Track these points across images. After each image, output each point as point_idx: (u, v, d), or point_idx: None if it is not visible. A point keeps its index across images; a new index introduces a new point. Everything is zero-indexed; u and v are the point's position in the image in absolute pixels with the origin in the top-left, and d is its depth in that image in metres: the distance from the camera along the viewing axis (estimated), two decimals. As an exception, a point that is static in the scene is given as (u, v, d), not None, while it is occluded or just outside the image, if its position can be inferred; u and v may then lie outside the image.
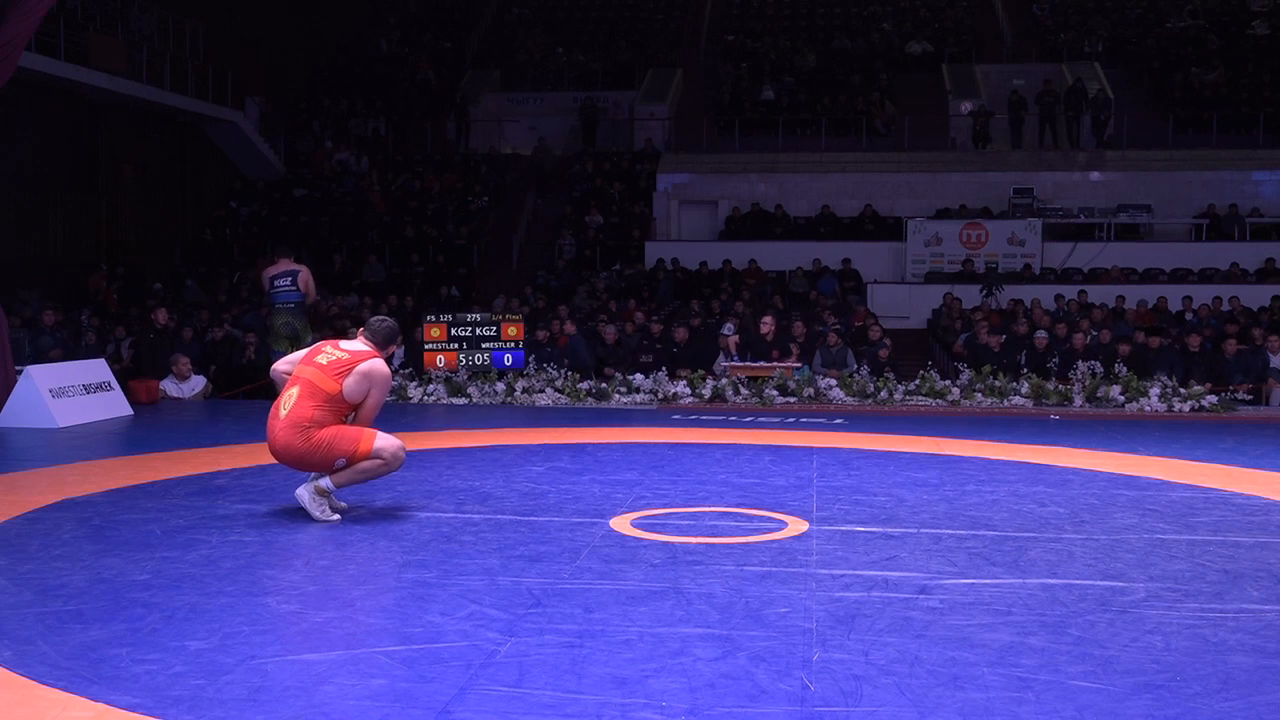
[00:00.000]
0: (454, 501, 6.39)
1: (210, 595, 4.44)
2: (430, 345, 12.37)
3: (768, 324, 13.05)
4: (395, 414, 10.25)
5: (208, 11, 22.73)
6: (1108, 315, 15.93)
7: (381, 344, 5.98)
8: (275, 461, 6.03)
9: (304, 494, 5.85)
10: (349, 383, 5.77)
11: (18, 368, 10.34)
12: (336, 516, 5.86)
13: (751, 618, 4.21)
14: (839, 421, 10.41)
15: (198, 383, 12.18)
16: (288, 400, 5.79)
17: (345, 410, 5.84)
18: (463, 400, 11.79)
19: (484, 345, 12.36)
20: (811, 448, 8.66)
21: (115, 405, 10.48)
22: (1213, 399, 11.31)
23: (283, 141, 24.51)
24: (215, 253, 21.57)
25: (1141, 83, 24.78)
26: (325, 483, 5.82)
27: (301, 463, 5.81)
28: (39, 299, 15.21)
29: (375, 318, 6.21)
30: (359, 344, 5.95)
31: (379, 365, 5.86)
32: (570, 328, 13.40)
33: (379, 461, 5.81)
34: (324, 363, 5.81)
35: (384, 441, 5.82)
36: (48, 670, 3.59)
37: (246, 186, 23.65)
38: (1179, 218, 21.49)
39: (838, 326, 14.20)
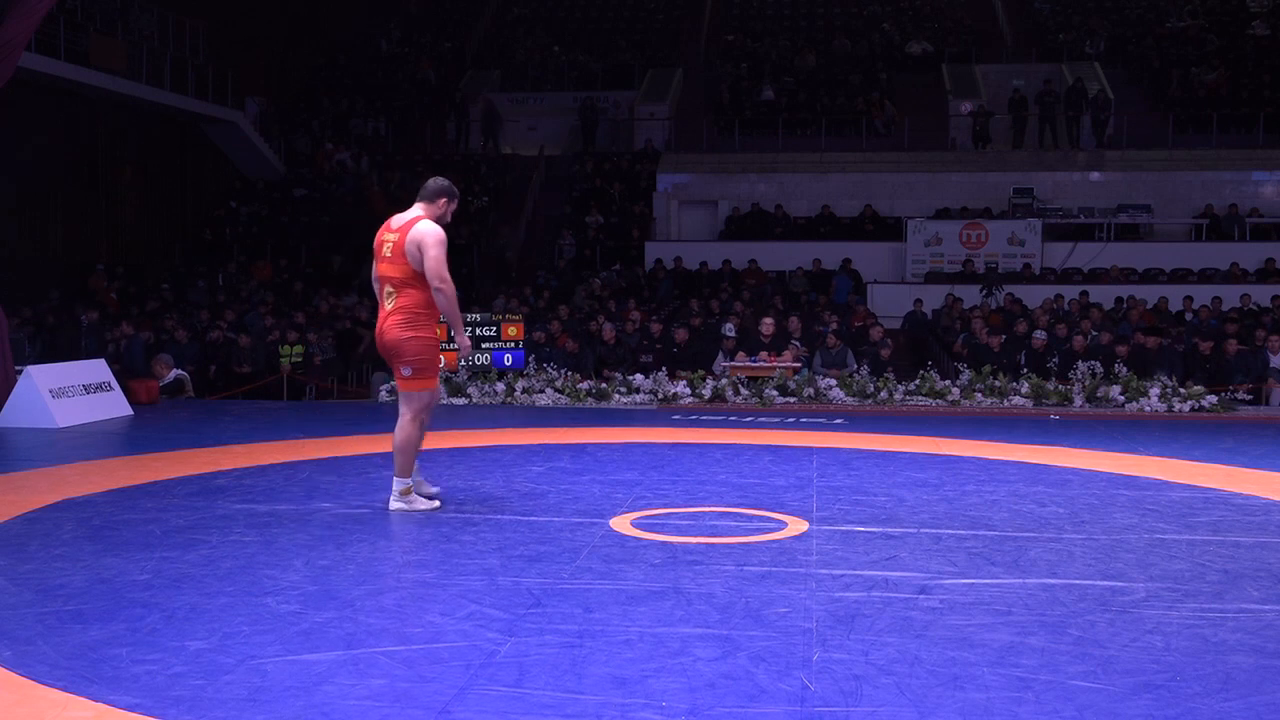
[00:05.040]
0: (454, 501, 6.39)
1: (210, 595, 4.43)
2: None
3: (768, 325, 13.04)
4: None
5: (208, 11, 22.72)
6: (1107, 316, 15.92)
7: (430, 198, 6.03)
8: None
9: (392, 504, 6.02)
10: (409, 253, 5.88)
11: (18, 367, 10.34)
12: (435, 503, 6.08)
13: (751, 618, 4.21)
14: (839, 421, 10.41)
15: (175, 375, 12.90)
16: (388, 299, 5.97)
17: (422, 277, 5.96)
18: (463, 400, 11.80)
19: (484, 345, 12.35)
20: (811, 448, 8.66)
21: (115, 405, 10.49)
22: (1213, 399, 11.32)
23: (282, 141, 24.50)
24: (215, 253, 21.57)
25: (1141, 83, 24.77)
26: (396, 484, 6.02)
27: (394, 351, 5.95)
28: None
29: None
30: (408, 213, 6.03)
31: (424, 225, 5.92)
32: (572, 345, 13.39)
33: (416, 424, 6.01)
34: (389, 254, 5.95)
35: (427, 399, 6.05)
36: (48, 670, 3.59)
37: (246, 186, 23.64)
38: (1179, 218, 21.48)
39: (836, 328, 14.19)
